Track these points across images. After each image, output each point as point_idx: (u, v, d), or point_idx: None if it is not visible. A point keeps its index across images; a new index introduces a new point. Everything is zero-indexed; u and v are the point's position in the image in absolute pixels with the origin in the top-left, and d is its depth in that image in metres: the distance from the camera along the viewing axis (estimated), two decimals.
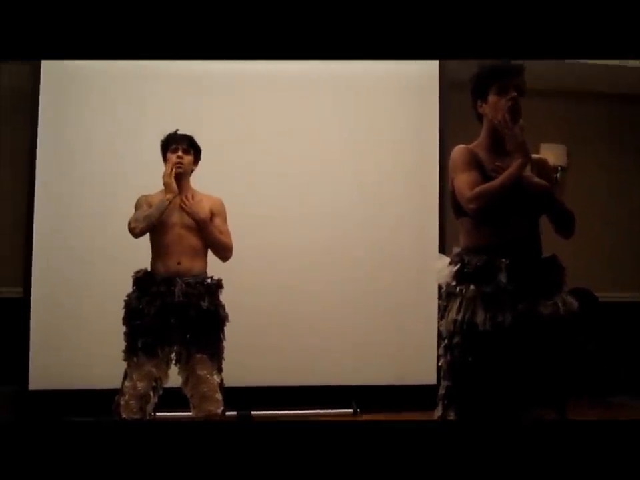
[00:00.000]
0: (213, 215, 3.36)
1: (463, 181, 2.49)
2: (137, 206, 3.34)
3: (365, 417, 4.60)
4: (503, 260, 2.43)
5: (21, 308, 4.47)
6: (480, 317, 2.40)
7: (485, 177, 2.48)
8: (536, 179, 2.50)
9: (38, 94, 4.56)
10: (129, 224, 3.25)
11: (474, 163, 2.51)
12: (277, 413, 4.52)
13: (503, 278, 2.41)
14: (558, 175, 5.53)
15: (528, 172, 2.51)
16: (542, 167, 2.63)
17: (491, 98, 2.52)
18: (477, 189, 2.42)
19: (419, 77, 4.93)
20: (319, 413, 4.61)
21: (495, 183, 2.42)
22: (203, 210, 3.28)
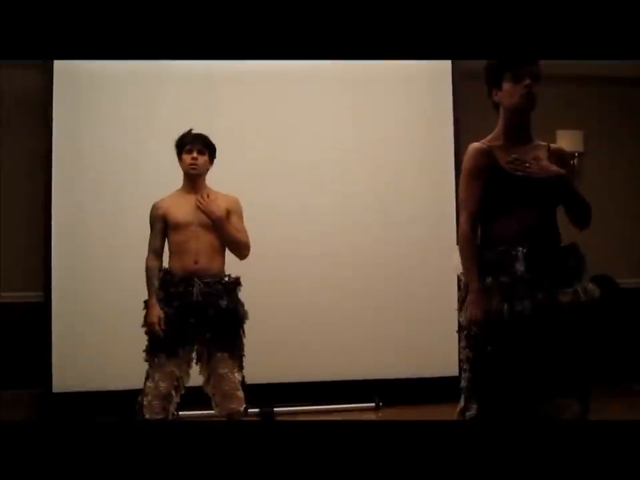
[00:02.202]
0: (229, 213, 3.36)
1: (463, 192, 2.55)
2: (151, 218, 3.35)
3: (386, 411, 4.59)
4: (520, 249, 2.41)
5: (42, 312, 4.51)
6: (498, 307, 2.38)
7: (498, 174, 2.47)
8: (553, 167, 2.48)
9: (51, 97, 4.58)
10: (146, 261, 3.33)
11: (484, 168, 2.49)
12: (299, 409, 4.53)
13: (520, 267, 2.39)
14: (575, 161, 5.48)
15: (545, 160, 2.49)
16: (559, 156, 2.60)
17: (506, 85, 2.49)
18: (461, 234, 2.51)
19: (432, 67, 4.89)
20: (341, 407, 4.62)
21: (465, 255, 2.48)
22: (219, 208, 3.28)
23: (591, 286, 2.47)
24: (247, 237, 3.40)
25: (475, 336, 2.42)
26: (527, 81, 2.45)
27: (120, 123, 4.66)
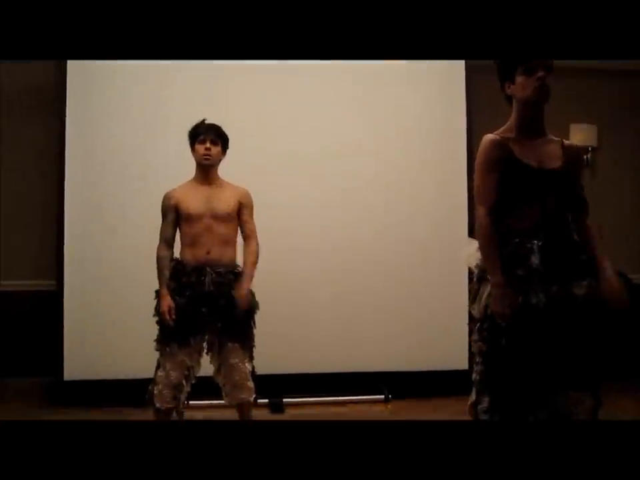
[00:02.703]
0: (241, 206, 3.37)
1: (479, 184, 2.53)
2: (163, 207, 3.36)
3: (396, 403, 4.59)
4: (535, 242, 2.40)
5: (54, 300, 4.53)
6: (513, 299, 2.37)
7: (513, 166, 2.46)
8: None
9: (64, 90, 4.59)
10: (157, 250, 3.34)
11: (499, 160, 2.48)
12: (308, 400, 4.55)
13: (535, 259, 2.39)
14: (588, 155, 5.44)
15: (559, 157, 2.48)
16: (572, 152, 2.59)
17: (519, 78, 2.48)
18: (479, 226, 2.48)
19: (445, 61, 4.87)
20: (350, 399, 4.63)
21: (487, 250, 2.45)
22: (249, 301, 3.29)
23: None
24: (256, 235, 3.40)
25: (489, 328, 2.42)
26: (540, 73, 2.44)
27: (132, 116, 4.66)
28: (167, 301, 3.23)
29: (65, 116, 4.58)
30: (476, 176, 2.56)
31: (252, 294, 3.35)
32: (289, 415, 4.36)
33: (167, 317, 3.21)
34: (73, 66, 4.58)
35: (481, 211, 2.50)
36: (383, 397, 4.67)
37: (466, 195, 4.79)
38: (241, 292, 3.26)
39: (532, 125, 2.52)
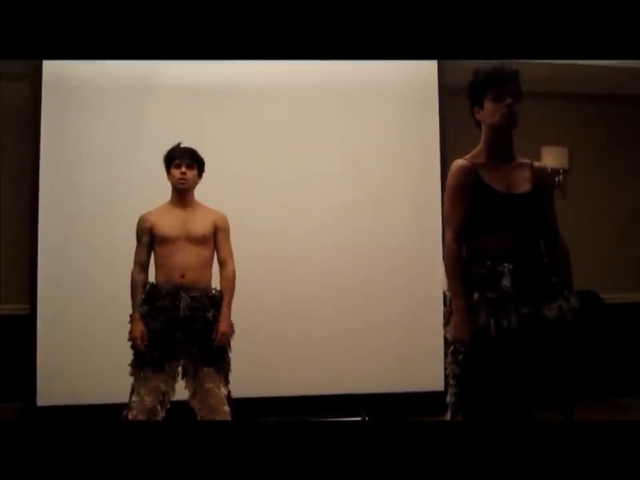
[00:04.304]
0: (216, 230, 3.37)
1: (448, 209, 2.58)
2: (138, 230, 3.36)
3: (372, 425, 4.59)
4: (507, 264, 2.44)
5: (27, 324, 4.48)
6: (485, 322, 2.40)
7: (482, 191, 2.50)
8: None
9: (39, 107, 4.57)
10: (131, 273, 3.34)
11: (467, 185, 2.52)
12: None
13: (506, 282, 2.42)
14: (560, 177, 5.53)
15: (529, 181, 2.53)
16: (542, 174, 2.64)
17: (487, 104, 2.53)
18: (445, 251, 2.52)
19: (418, 83, 4.95)
20: (326, 421, 4.61)
21: (451, 275, 2.49)
22: (228, 335, 3.30)
23: (574, 301, 2.50)
24: (232, 259, 3.41)
25: (461, 351, 2.45)
26: (508, 100, 2.49)
27: (108, 134, 4.65)
28: (139, 326, 3.22)
29: (39, 135, 4.56)
30: (445, 201, 2.61)
31: (232, 326, 3.34)
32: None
33: (139, 342, 3.20)
34: (48, 83, 4.57)
35: (448, 236, 2.55)
36: (359, 418, 4.66)
37: (440, 217, 4.81)
38: (223, 327, 3.26)
39: (501, 150, 2.57)
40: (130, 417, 3.22)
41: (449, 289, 2.53)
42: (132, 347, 3.25)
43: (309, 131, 4.86)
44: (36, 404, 4.43)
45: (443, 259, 2.55)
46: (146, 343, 3.19)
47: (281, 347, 4.65)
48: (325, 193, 4.83)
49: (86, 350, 4.45)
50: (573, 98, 5.58)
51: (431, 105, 4.97)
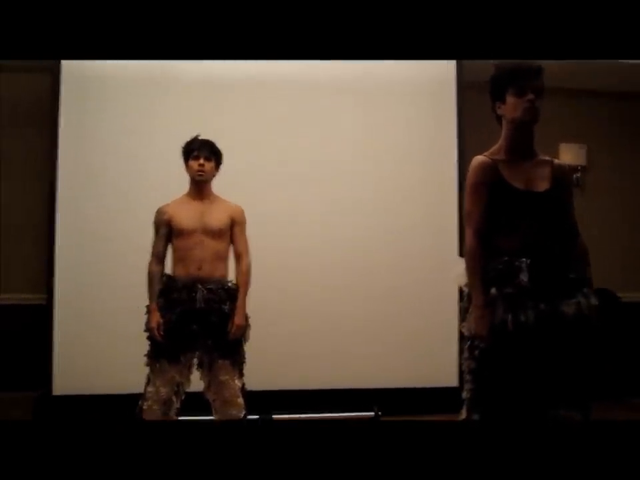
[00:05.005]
0: (233, 223, 3.38)
1: (468, 206, 2.57)
2: (156, 222, 3.37)
3: (385, 420, 4.59)
4: (524, 260, 2.43)
5: (44, 314, 4.52)
6: (502, 318, 2.39)
7: (501, 188, 2.49)
8: None
9: (58, 100, 4.60)
10: (149, 265, 3.36)
11: (487, 182, 2.51)
12: (298, 417, 4.53)
13: (524, 277, 2.41)
14: (578, 175, 5.50)
15: (548, 179, 2.51)
16: (562, 172, 2.62)
17: (509, 99, 2.52)
18: (467, 248, 2.52)
19: (436, 79, 4.93)
20: (339, 416, 4.62)
21: (471, 271, 2.50)
22: (242, 328, 3.30)
23: (593, 298, 2.49)
24: (247, 251, 3.42)
25: (478, 347, 2.44)
26: (530, 95, 2.47)
27: (125, 127, 4.67)
28: (156, 317, 3.24)
29: (58, 127, 4.59)
30: (465, 197, 2.60)
31: (247, 319, 3.35)
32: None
33: (156, 333, 3.21)
34: (66, 77, 4.60)
35: (469, 233, 2.54)
36: (372, 414, 4.67)
37: (456, 214, 4.82)
38: (238, 320, 3.27)
39: (521, 146, 2.55)
40: (145, 407, 3.24)
41: (467, 285, 2.53)
42: (148, 337, 3.27)
43: (323, 127, 4.85)
44: (52, 393, 4.47)
45: (464, 254, 2.54)
46: (162, 334, 3.21)
47: (295, 341, 4.66)
48: (340, 189, 4.82)
49: (102, 340, 4.48)
50: (591, 94, 5.54)
51: (449, 100, 4.96)
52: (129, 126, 4.67)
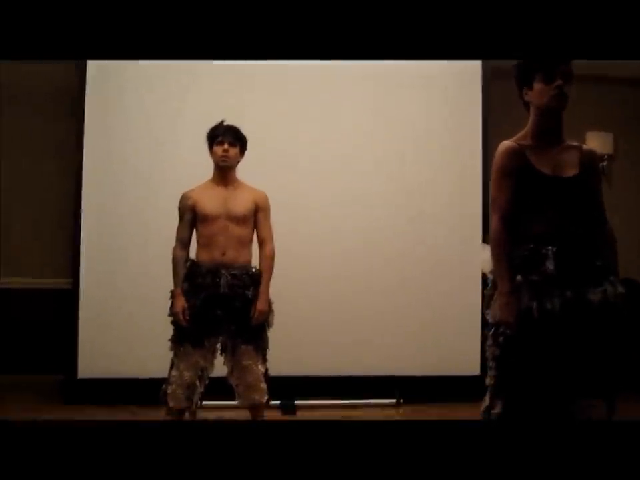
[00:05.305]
0: (257, 209, 3.38)
1: (494, 192, 2.54)
2: (180, 208, 3.38)
3: (407, 407, 4.59)
4: (551, 247, 2.41)
5: (69, 299, 4.57)
6: (528, 305, 2.38)
7: (528, 174, 2.47)
8: None
9: (84, 92, 4.63)
10: (173, 250, 3.37)
11: (514, 167, 2.49)
12: (320, 403, 4.56)
13: (550, 265, 2.39)
14: (604, 163, 5.43)
15: (576, 165, 2.49)
16: (590, 158, 2.59)
17: (537, 85, 2.48)
18: (493, 234, 2.50)
19: (462, 65, 4.88)
20: (361, 402, 4.63)
21: (497, 257, 2.47)
22: (265, 313, 3.31)
23: (620, 286, 2.46)
24: (271, 237, 3.42)
25: (503, 334, 2.43)
26: (558, 81, 2.44)
27: (149, 116, 4.69)
28: (181, 302, 3.26)
29: (84, 117, 4.62)
30: (491, 183, 2.57)
31: (270, 305, 3.36)
32: (301, 416, 4.38)
33: (181, 317, 3.23)
34: (92, 68, 4.63)
35: (494, 218, 2.51)
36: (394, 400, 4.67)
37: (481, 200, 4.80)
38: (260, 306, 3.28)
39: (549, 132, 2.52)
40: (169, 392, 3.26)
41: (493, 271, 2.51)
42: (172, 322, 3.29)
43: (346, 114, 4.83)
44: (77, 376, 4.52)
45: (489, 241, 2.53)
46: (187, 318, 3.23)
47: (318, 327, 4.68)
48: (363, 174, 4.81)
49: (126, 325, 4.53)
50: (618, 81, 5.45)
51: (474, 86, 4.92)
52: (153, 114, 4.69)
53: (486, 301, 2.57)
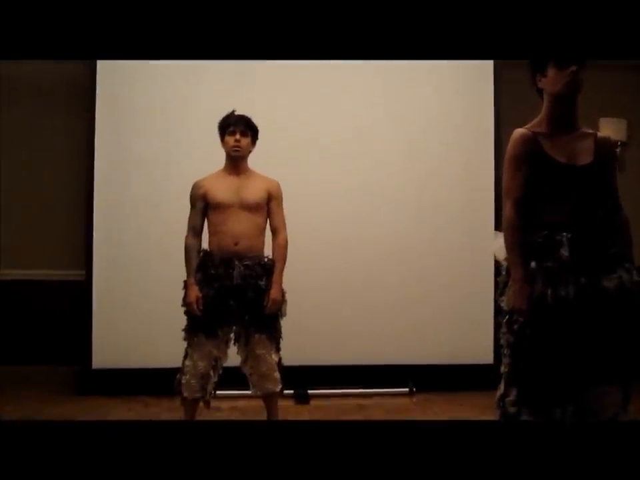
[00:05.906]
0: (270, 197, 3.38)
1: (507, 179, 2.53)
2: (192, 196, 3.38)
3: (420, 396, 4.60)
4: (565, 234, 2.39)
5: (83, 290, 4.60)
6: (542, 292, 2.37)
7: (542, 161, 2.45)
8: None
9: (95, 86, 4.65)
10: (185, 239, 3.36)
11: (528, 155, 2.48)
12: (333, 392, 4.57)
13: (564, 252, 2.37)
14: (618, 150, 5.38)
15: (591, 152, 2.47)
16: (605, 146, 2.56)
17: (550, 72, 2.46)
18: (506, 221, 2.49)
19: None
20: (374, 391, 4.64)
21: (510, 244, 2.47)
22: (279, 303, 3.31)
23: (635, 273, 2.44)
24: (284, 226, 3.41)
25: (517, 321, 2.42)
26: (573, 68, 2.42)
27: (160, 107, 4.70)
28: (194, 291, 3.26)
29: (95, 110, 4.64)
30: (504, 170, 2.56)
31: (283, 294, 3.36)
32: (314, 406, 4.39)
33: (194, 307, 3.24)
34: (102, 65, 4.64)
35: (507, 205, 2.51)
36: (407, 389, 4.68)
37: (493, 188, 4.78)
38: (274, 295, 3.28)
39: (563, 119, 2.50)
40: (183, 381, 3.28)
41: (507, 259, 2.50)
42: (186, 312, 3.29)
43: (358, 102, 4.82)
44: (91, 367, 4.56)
45: (503, 228, 2.52)
46: (201, 308, 3.23)
47: (331, 316, 4.68)
48: (376, 163, 4.80)
49: (139, 315, 4.55)
50: (632, 68, 5.40)
51: (486, 74, 4.89)
52: (164, 104, 4.70)
53: (500, 288, 2.57)
